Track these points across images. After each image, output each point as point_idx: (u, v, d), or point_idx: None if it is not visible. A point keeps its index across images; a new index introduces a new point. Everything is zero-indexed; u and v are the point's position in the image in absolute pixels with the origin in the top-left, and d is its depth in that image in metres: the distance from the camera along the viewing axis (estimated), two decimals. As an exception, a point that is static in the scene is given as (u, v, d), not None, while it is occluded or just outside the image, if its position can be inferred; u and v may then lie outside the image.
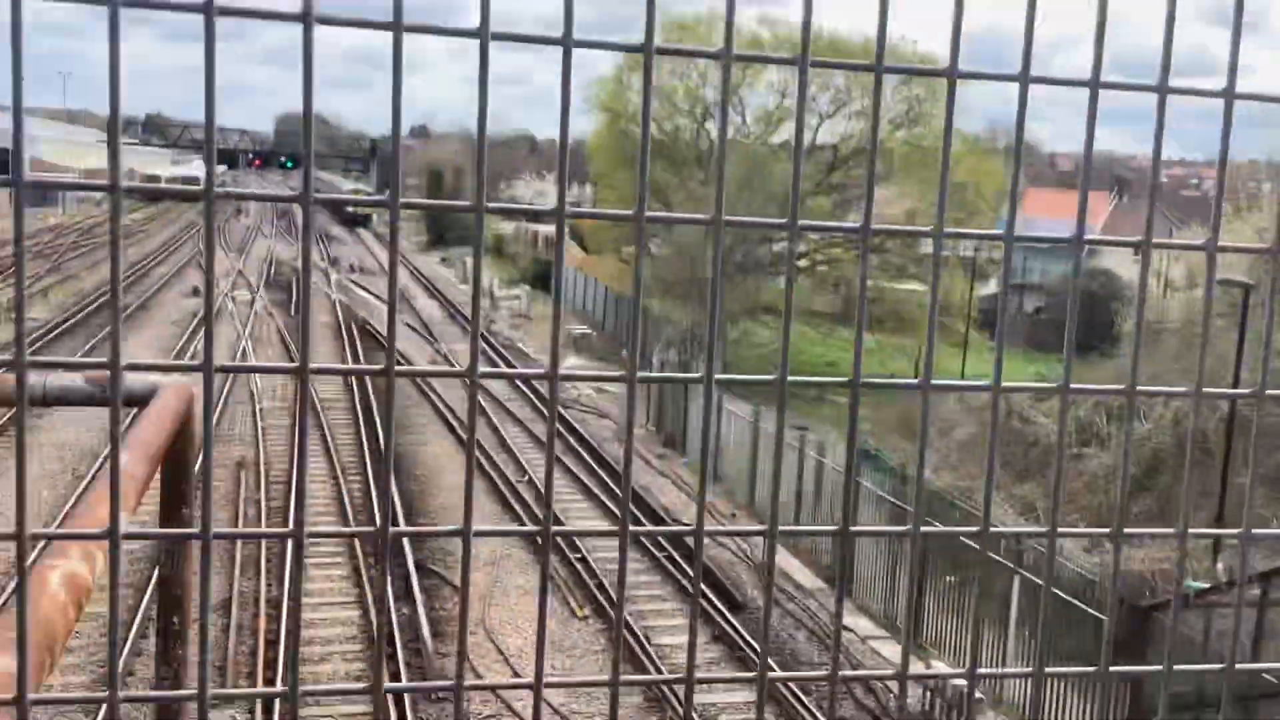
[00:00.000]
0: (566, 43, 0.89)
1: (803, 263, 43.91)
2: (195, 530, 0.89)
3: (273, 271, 52.46)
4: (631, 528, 0.98)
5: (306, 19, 0.82)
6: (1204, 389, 1.01)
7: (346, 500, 21.90)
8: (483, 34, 0.86)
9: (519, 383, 32.96)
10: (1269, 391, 1.02)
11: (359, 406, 27.66)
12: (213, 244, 0.87)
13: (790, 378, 1.01)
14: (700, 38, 45.94)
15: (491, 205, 0.89)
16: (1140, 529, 1.06)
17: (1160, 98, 1.07)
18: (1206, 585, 15.06)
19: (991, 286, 44.20)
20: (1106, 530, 1.01)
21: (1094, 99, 1.06)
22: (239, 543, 18.50)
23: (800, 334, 41.03)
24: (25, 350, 0.77)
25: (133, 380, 3.50)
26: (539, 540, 0.98)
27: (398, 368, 0.90)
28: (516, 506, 22.29)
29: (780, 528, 1.00)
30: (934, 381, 0.98)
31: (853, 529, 0.99)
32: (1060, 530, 1.01)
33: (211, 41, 0.82)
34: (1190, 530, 1.00)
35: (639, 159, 1.00)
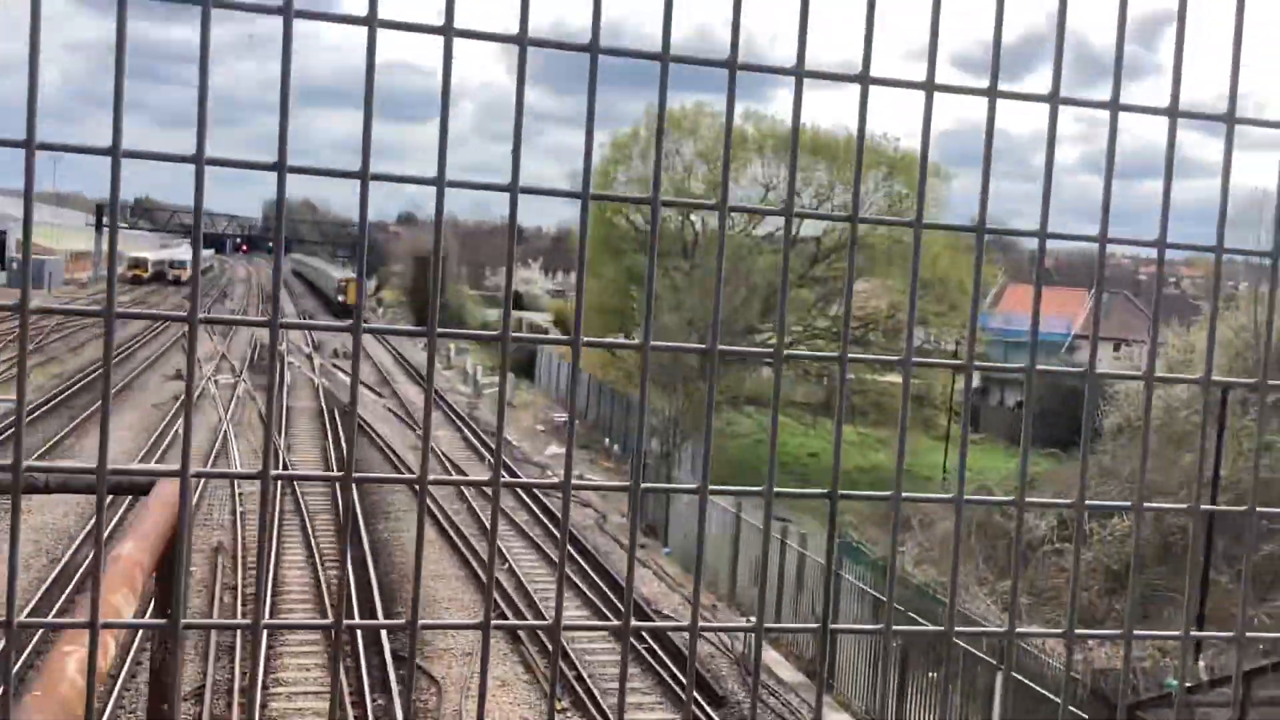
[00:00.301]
0: (585, 196, 1.02)
1: (785, 352, 44.14)
2: (248, 622, 0.99)
3: (256, 355, 52.46)
4: (634, 623, 1.08)
5: (362, 176, 0.95)
6: (1145, 504, 1.13)
7: (324, 588, 21.70)
8: (513, 189, 1.00)
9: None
10: (1204, 506, 1.13)
11: (337, 494, 27.52)
12: (276, 374, 0.99)
13: (775, 490, 1.13)
14: (685, 130, 46.89)
15: (516, 335, 1.01)
16: (1090, 631, 1.17)
17: (1100, 247, 1.20)
18: (1190, 684, 15.02)
19: (975, 379, 44.70)
20: (1060, 631, 1.12)
21: (1041, 244, 1.20)
22: (213, 632, 18.26)
23: (782, 425, 41.10)
24: (107, 455, 0.88)
25: (134, 471, 3.59)
26: (549, 635, 1.09)
27: (430, 477, 1.01)
28: (495, 594, 22.10)
29: (766, 625, 1.11)
30: (904, 494, 1.10)
31: (831, 626, 1.10)
32: (1018, 630, 1.12)
33: (282, 198, 0.95)
34: (1135, 632, 1.11)
35: (644, 298, 1.13)
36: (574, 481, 1.06)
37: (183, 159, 0.95)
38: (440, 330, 1.00)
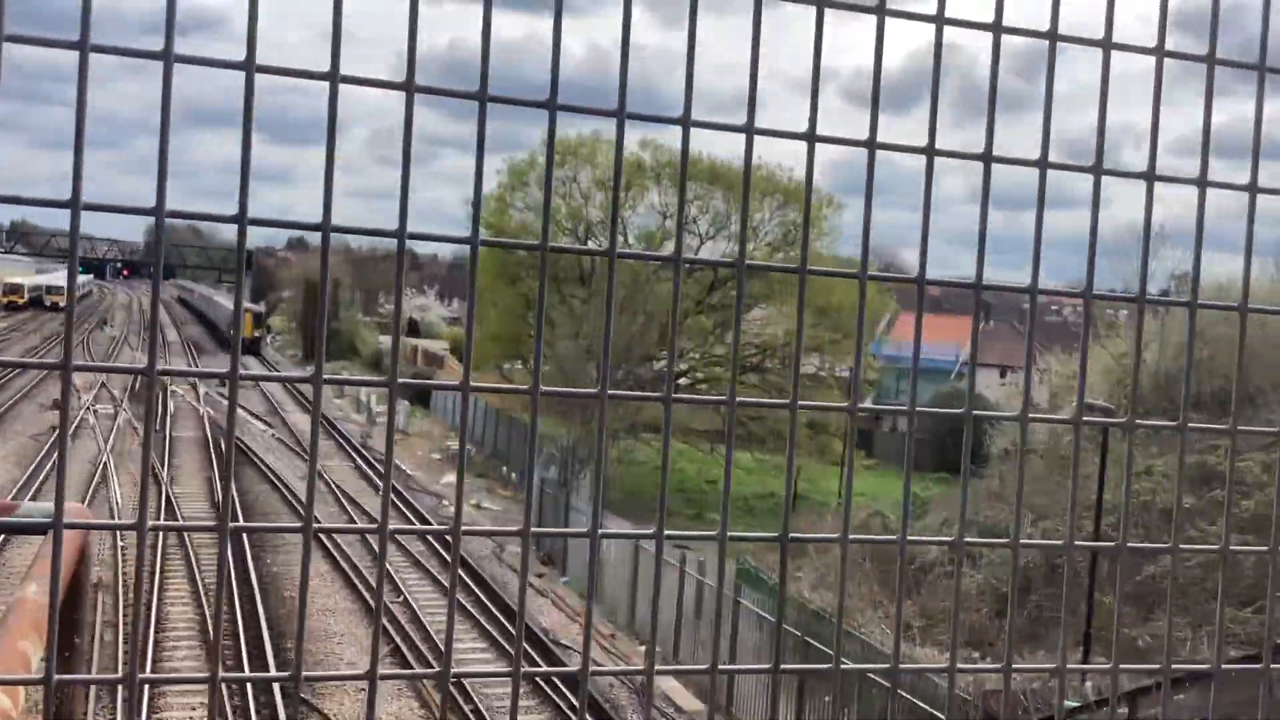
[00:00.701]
0: (543, 248, 1.04)
1: (683, 380, 44.60)
2: (206, 675, 0.98)
3: (136, 384, 50.86)
4: (592, 668, 1.10)
5: (324, 228, 0.96)
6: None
7: (208, 624, 21.09)
8: (473, 241, 1.01)
9: (400, 503, 32.44)
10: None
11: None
12: (234, 426, 0.98)
13: (730, 533, 1.16)
14: (585, 159, 46.98)
15: (475, 385, 1.02)
16: (1027, 665, 1.23)
17: (1032, 297, 1.27)
18: (1077, 704, 15.47)
19: (867, 402, 45.45)
20: (998, 666, 1.17)
21: (977, 295, 1.25)
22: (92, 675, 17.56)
23: (680, 452, 41.40)
24: (63, 508, 0.86)
25: (30, 508, 3.46)
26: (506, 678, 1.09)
27: (391, 527, 1.02)
28: (388, 630, 21.75)
29: (720, 667, 1.14)
30: (851, 537, 1.14)
31: (785, 667, 1.13)
32: (959, 667, 1.17)
33: (242, 251, 0.95)
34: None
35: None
36: (533, 529, 1.07)
37: (144, 212, 0.94)
38: (400, 380, 1.01)
